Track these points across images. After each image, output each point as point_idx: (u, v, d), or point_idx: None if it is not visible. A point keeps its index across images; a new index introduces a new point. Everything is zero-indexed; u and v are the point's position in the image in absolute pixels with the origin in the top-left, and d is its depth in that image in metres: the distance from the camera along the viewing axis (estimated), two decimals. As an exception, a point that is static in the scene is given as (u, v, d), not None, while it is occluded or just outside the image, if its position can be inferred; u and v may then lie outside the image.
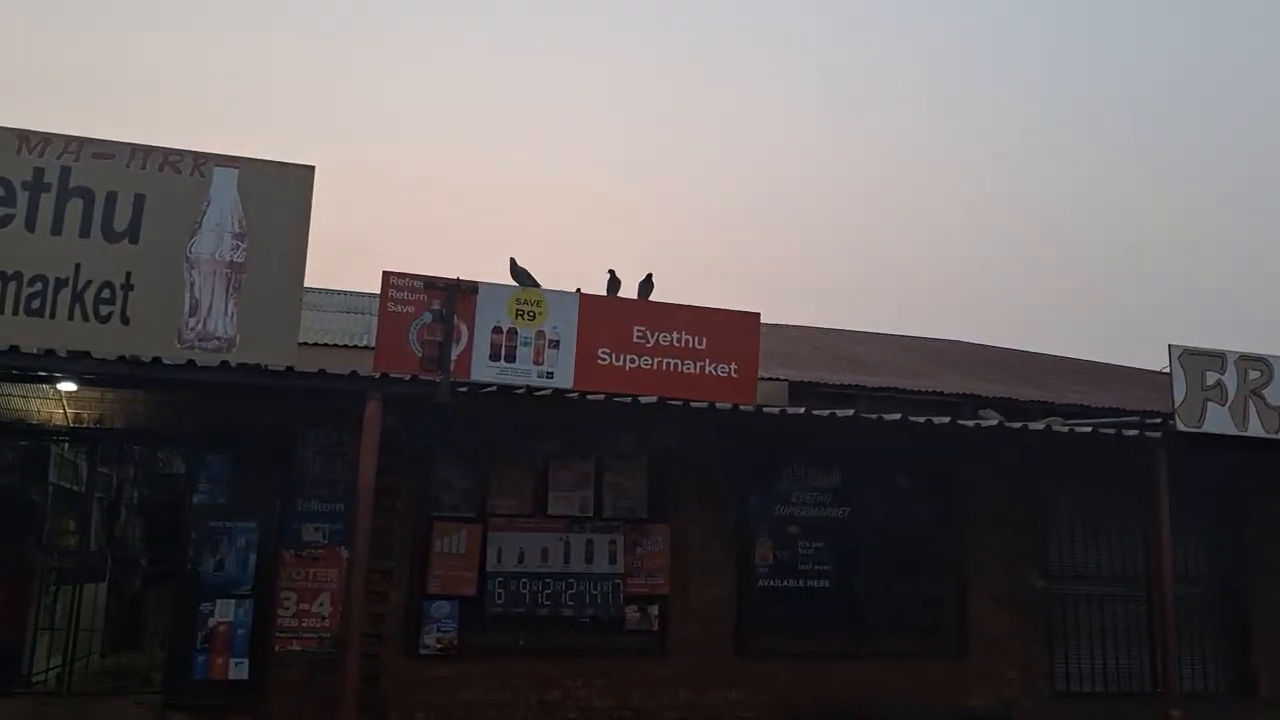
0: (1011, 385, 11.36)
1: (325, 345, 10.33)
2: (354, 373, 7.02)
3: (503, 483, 8.67)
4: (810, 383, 9.77)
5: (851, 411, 7.77)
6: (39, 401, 8.98)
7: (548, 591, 8.58)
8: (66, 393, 8.66)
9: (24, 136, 7.03)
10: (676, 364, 7.90)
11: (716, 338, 7.94)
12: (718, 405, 7.72)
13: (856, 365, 11.68)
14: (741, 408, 7.66)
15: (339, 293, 13.71)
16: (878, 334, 14.76)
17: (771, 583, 9.33)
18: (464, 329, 7.52)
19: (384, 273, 7.43)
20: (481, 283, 7.59)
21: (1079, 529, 10.50)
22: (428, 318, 7.46)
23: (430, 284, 7.44)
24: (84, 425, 8.77)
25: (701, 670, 8.82)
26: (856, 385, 10.22)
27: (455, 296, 7.40)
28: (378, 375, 7.10)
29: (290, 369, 6.93)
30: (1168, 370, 8.81)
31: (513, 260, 8.16)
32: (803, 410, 7.64)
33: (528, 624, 8.45)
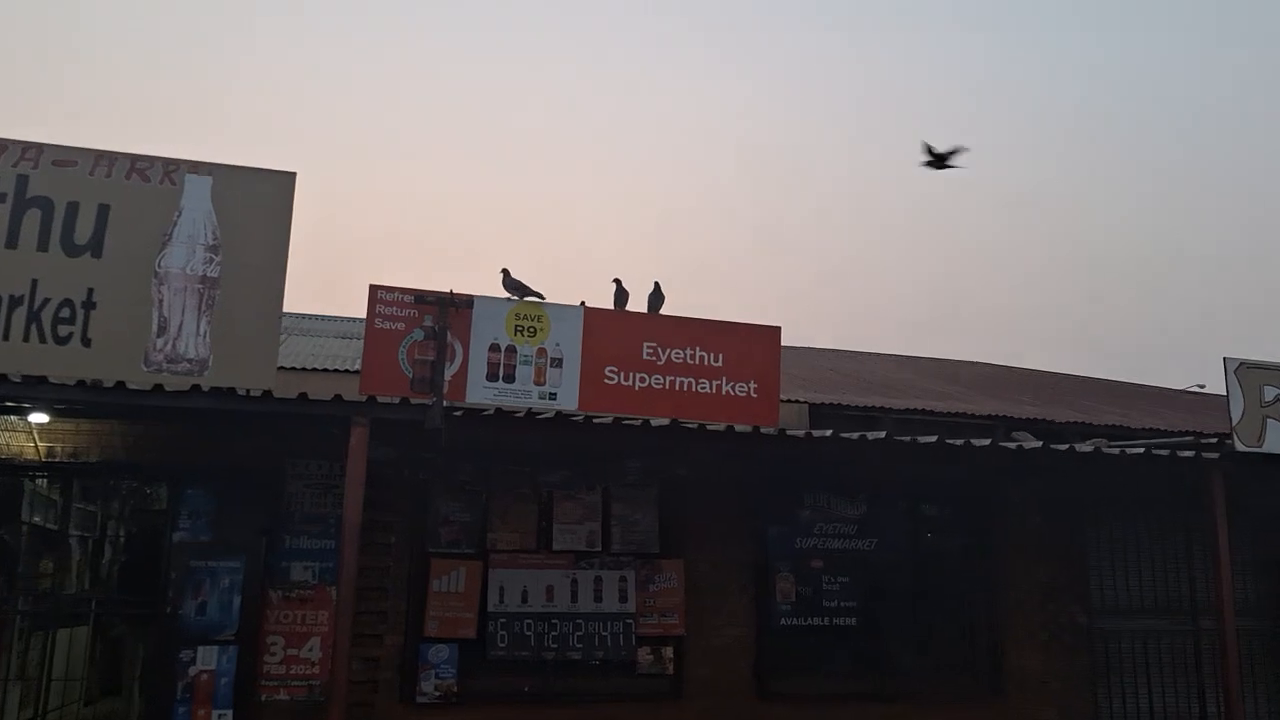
0: (1044, 407, 10.72)
1: (315, 370, 9.76)
2: (338, 397, 6.42)
3: (504, 516, 8.21)
4: (832, 405, 9.15)
5: (883, 434, 7.14)
6: (7, 435, 8.53)
7: (554, 633, 8.08)
8: (37, 425, 8.23)
9: (-24, 143, 6.47)
10: (691, 383, 7.27)
11: (734, 354, 7.31)
12: (736, 428, 7.08)
13: (879, 388, 11.06)
14: (763, 430, 7.03)
15: (331, 318, 13.22)
16: (899, 356, 14.13)
17: (793, 621, 8.79)
18: (458, 347, 6.92)
19: (371, 286, 6.85)
20: (477, 296, 6.99)
21: (1121, 559, 9.89)
22: (419, 335, 6.87)
23: (421, 298, 6.84)
24: (57, 459, 8.33)
25: (719, 715, 8.24)
26: (881, 408, 9.60)
27: (448, 311, 6.80)
28: (364, 399, 6.51)
29: (268, 393, 6.34)
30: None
31: (505, 272, 7.56)
32: (829, 434, 7.00)
33: (533, 668, 7.96)
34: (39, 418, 7.87)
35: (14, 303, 6.34)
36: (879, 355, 13.89)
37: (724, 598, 8.48)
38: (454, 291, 6.86)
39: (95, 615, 9.02)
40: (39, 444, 8.52)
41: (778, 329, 7.47)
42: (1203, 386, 17.41)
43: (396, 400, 6.67)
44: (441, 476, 8.05)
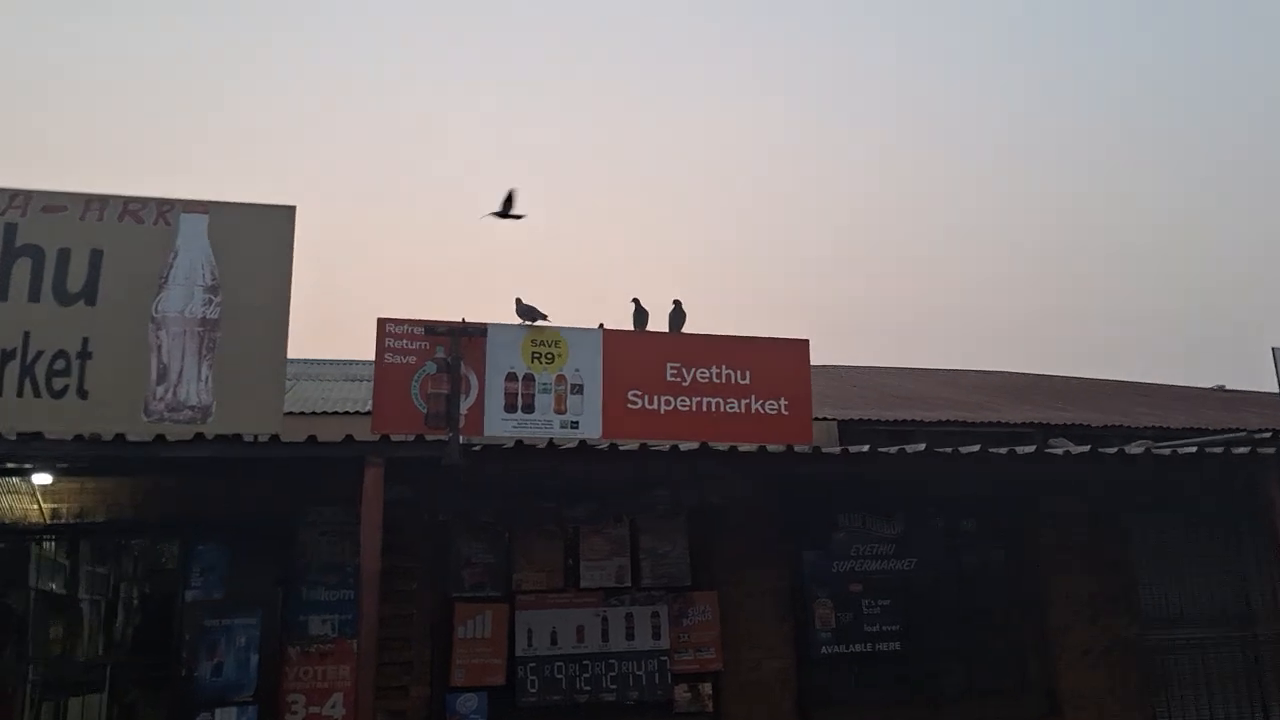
0: (1079, 411, 10.34)
1: (326, 414, 9.43)
2: (349, 437, 6.10)
3: (529, 555, 7.93)
4: (861, 421, 8.79)
5: (923, 446, 6.77)
6: (10, 498, 8.27)
7: (586, 675, 7.75)
8: (41, 486, 7.99)
9: (-38, 192, 6.21)
10: (718, 403, 6.92)
11: (762, 370, 6.96)
12: (769, 448, 6.73)
13: (907, 401, 10.70)
14: (797, 449, 6.68)
15: (339, 362, 12.93)
16: (922, 369, 13.75)
17: (835, 649, 8.46)
18: (473, 378, 6.60)
19: (379, 320, 6.54)
20: (490, 324, 6.67)
21: (1170, 567, 9.49)
22: (431, 368, 6.54)
23: (432, 329, 6.52)
24: (64, 520, 8.06)
25: None
26: (912, 421, 9.23)
27: (461, 341, 6.48)
28: (377, 438, 6.18)
29: (275, 438, 6.02)
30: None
31: (518, 300, 7.26)
32: (866, 449, 6.64)
33: (566, 712, 7.63)
34: (42, 478, 7.62)
35: (6, 357, 6.05)
36: (901, 369, 13.54)
37: (761, 629, 8.18)
38: (466, 320, 6.55)
39: (108, 682, 8.74)
40: (43, 505, 8.30)
41: (806, 342, 7.13)
42: (1223, 387, 17.02)
43: (411, 438, 6.35)
44: (462, 517, 7.75)
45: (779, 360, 7.02)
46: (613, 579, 7.98)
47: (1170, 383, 14.15)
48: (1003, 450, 6.85)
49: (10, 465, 7.49)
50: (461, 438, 6.40)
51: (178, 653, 7.55)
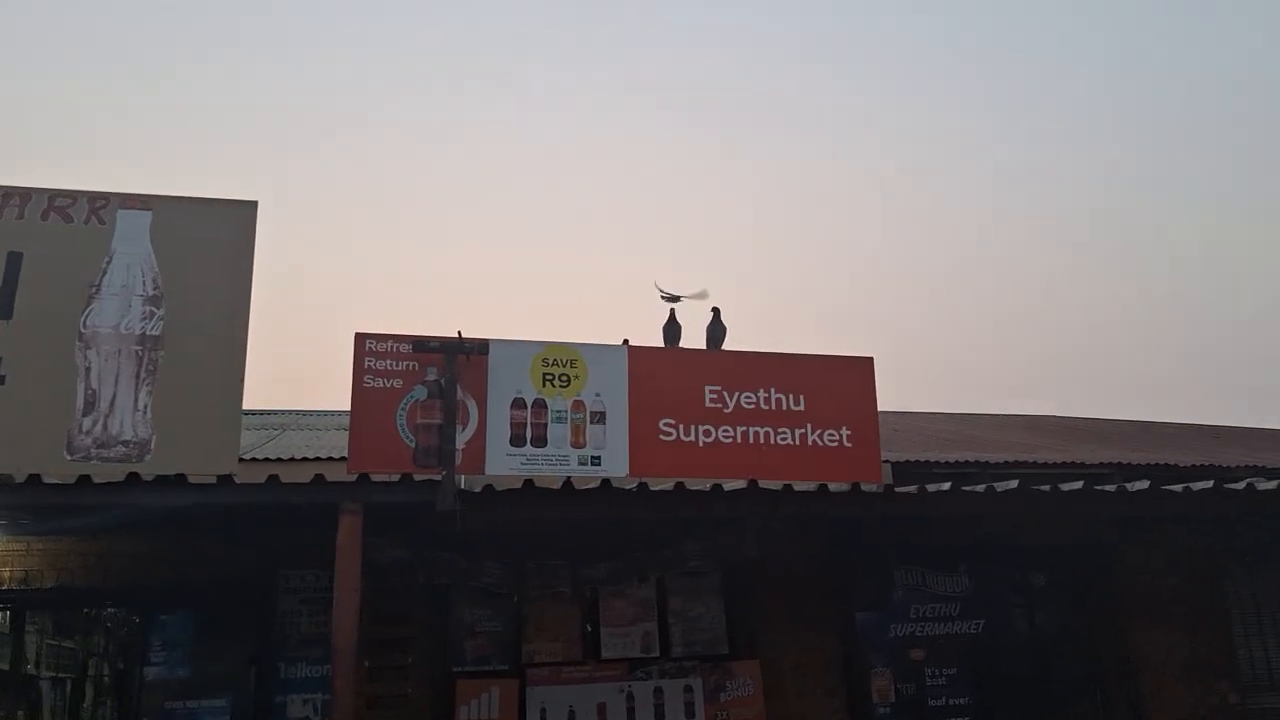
0: (1163, 453, 9.21)
1: (311, 460, 8.40)
2: (319, 477, 5.01)
3: (541, 622, 7.17)
4: (920, 463, 7.68)
5: (1014, 483, 5.62)
6: None
7: None
8: None
9: None
10: (768, 433, 5.77)
11: (820, 394, 5.84)
12: (831, 486, 5.60)
13: (964, 443, 9.59)
14: (864, 487, 5.54)
15: (330, 412, 12.03)
16: (977, 414, 12.60)
17: None
18: (472, 406, 5.50)
19: (357, 335, 5.45)
20: (492, 340, 5.58)
21: (1271, 622, 8.63)
22: (421, 394, 5.44)
23: (422, 345, 5.43)
24: (5, 586, 7.27)
25: None
26: (976, 462, 8.13)
27: (457, 361, 5.39)
28: (354, 478, 5.07)
29: (227, 479, 4.90)
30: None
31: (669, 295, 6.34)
32: (947, 486, 5.53)
33: None
34: None
35: (-106, 383, 4.97)
36: (953, 414, 12.44)
37: (810, 704, 7.43)
38: (463, 335, 5.46)
39: None
40: None
41: (870, 360, 6.02)
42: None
43: (396, 478, 5.23)
44: (464, 578, 6.91)
45: (839, 382, 5.92)
46: (638, 648, 7.26)
47: (1261, 425, 13.16)
48: (1110, 488, 5.73)
49: None
50: (458, 478, 5.28)
51: (138, 739, 6.83)
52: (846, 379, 5.92)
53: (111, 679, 9.75)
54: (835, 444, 5.77)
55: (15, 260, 5.13)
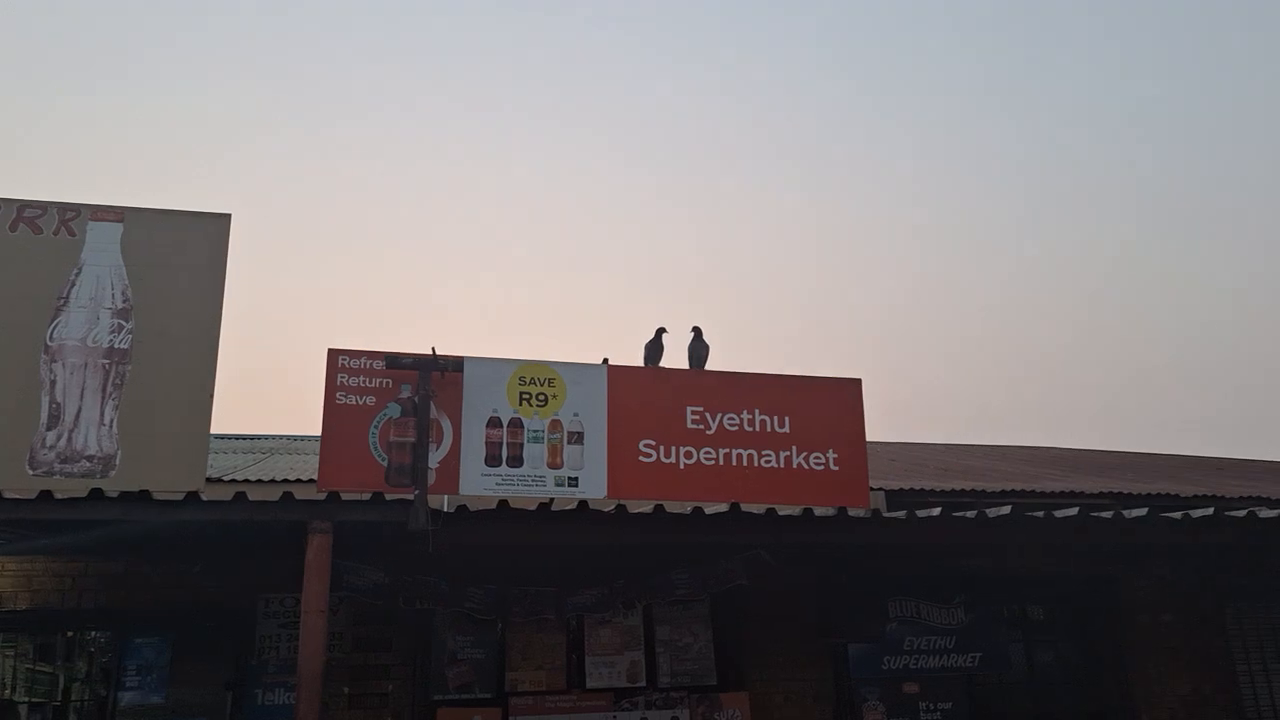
0: (1164, 483, 8.99)
1: (294, 481, 8.23)
2: (287, 495, 4.86)
3: (525, 650, 6.99)
4: (912, 491, 7.46)
5: (1007, 509, 5.44)
6: None
7: None
8: None
9: None
10: (751, 455, 5.59)
11: (806, 416, 5.67)
12: (817, 511, 5.41)
13: (959, 473, 9.37)
14: (851, 513, 5.36)
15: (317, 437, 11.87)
16: (975, 445, 12.37)
17: None
18: (446, 424, 5.35)
19: (329, 351, 5.31)
20: (467, 357, 5.44)
21: (1275, 659, 8.31)
22: (394, 411, 5.30)
23: (395, 361, 5.29)
24: None
25: None
26: (972, 492, 7.91)
27: (431, 378, 5.25)
28: (323, 496, 4.92)
29: (193, 496, 4.75)
30: None
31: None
32: (937, 513, 5.32)
33: None
34: None
35: None
36: (950, 445, 12.22)
37: None
38: (437, 352, 5.33)
39: None
40: None
41: (858, 382, 5.85)
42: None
43: (367, 497, 5.07)
44: (446, 603, 6.71)
45: (826, 404, 5.74)
46: (624, 678, 7.03)
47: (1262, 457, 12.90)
48: (1106, 514, 5.52)
49: None
50: (432, 498, 5.12)
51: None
52: (834, 401, 5.75)
53: (91, 704, 9.55)
54: (821, 467, 5.59)
55: (-20, 271, 5.04)
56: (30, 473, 4.85)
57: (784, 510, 5.43)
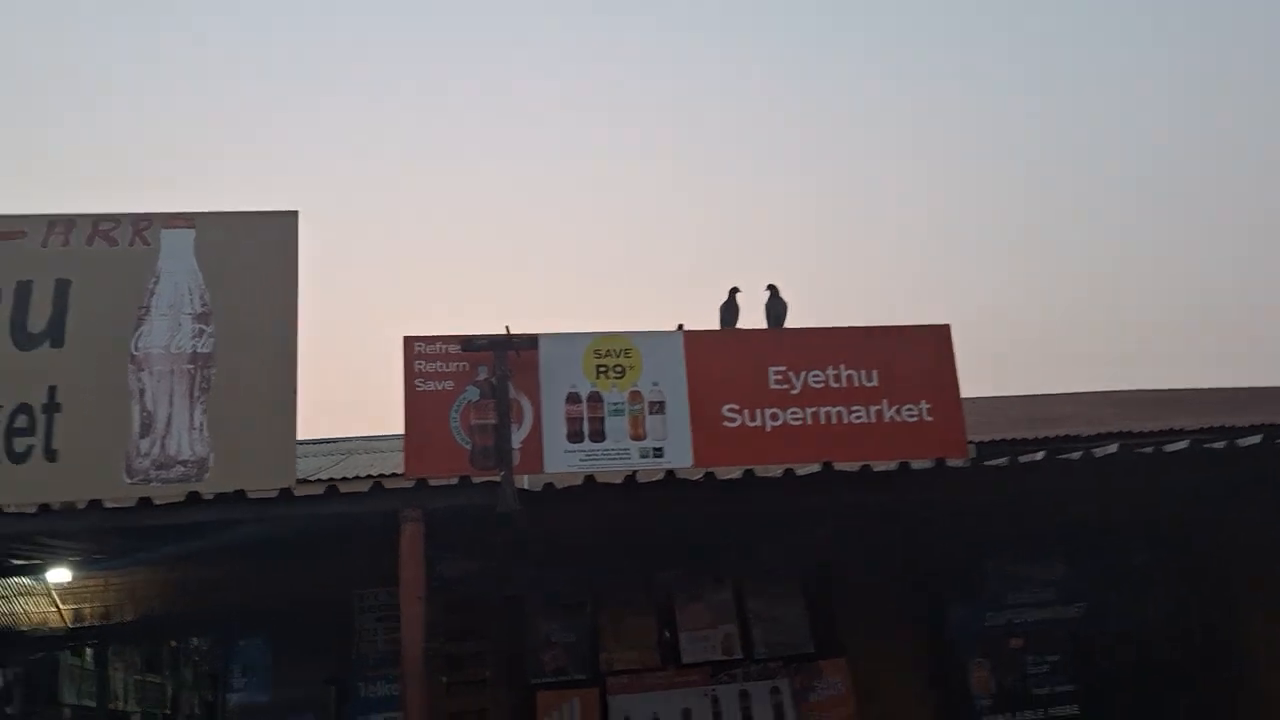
0: (1271, 415, 8.58)
1: (375, 477, 8.29)
2: (377, 485, 4.89)
3: (617, 631, 6.92)
4: (1006, 441, 7.24)
5: (1114, 447, 5.22)
6: (24, 600, 7.39)
7: None
8: (57, 586, 7.15)
9: (-104, 226, 5.24)
10: (840, 413, 5.46)
11: (895, 368, 5.51)
12: (913, 464, 5.26)
13: (1055, 422, 9.04)
14: (951, 464, 5.20)
15: (397, 436, 11.93)
16: (1059, 394, 11.95)
17: (1000, 718, 7.22)
18: (525, 403, 5.31)
19: (405, 339, 5.32)
20: (542, 334, 5.40)
21: None
22: (473, 394, 5.28)
23: (470, 344, 5.27)
24: (86, 623, 7.34)
25: None
26: (1069, 437, 7.63)
27: (507, 358, 5.22)
28: (412, 484, 4.93)
29: (286, 493, 4.80)
30: None
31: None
32: (1040, 456, 5.14)
33: None
34: (58, 576, 6.85)
35: (-43, 416, 4.97)
36: (1021, 397, 11.84)
37: (904, 700, 7.07)
38: (511, 331, 5.29)
39: None
40: (62, 608, 7.45)
41: (947, 328, 5.67)
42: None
43: (455, 480, 5.06)
44: (536, 589, 6.76)
45: (915, 354, 5.57)
46: (719, 651, 6.91)
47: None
48: (1219, 444, 5.26)
49: (17, 562, 6.68)
50: (518, 478, 5.10)
51: (225, 766, 6.70)
52: (922, 350, 5.57)
53: (201, 710, 9.80)
54: (915, 419, 5.42)
55: (64, 288, 5.11)
56: (128, 481, 4.93)
57: (879, 466, 5.30)
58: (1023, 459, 5.16)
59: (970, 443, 7.51)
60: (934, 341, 5.62)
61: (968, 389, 5.80)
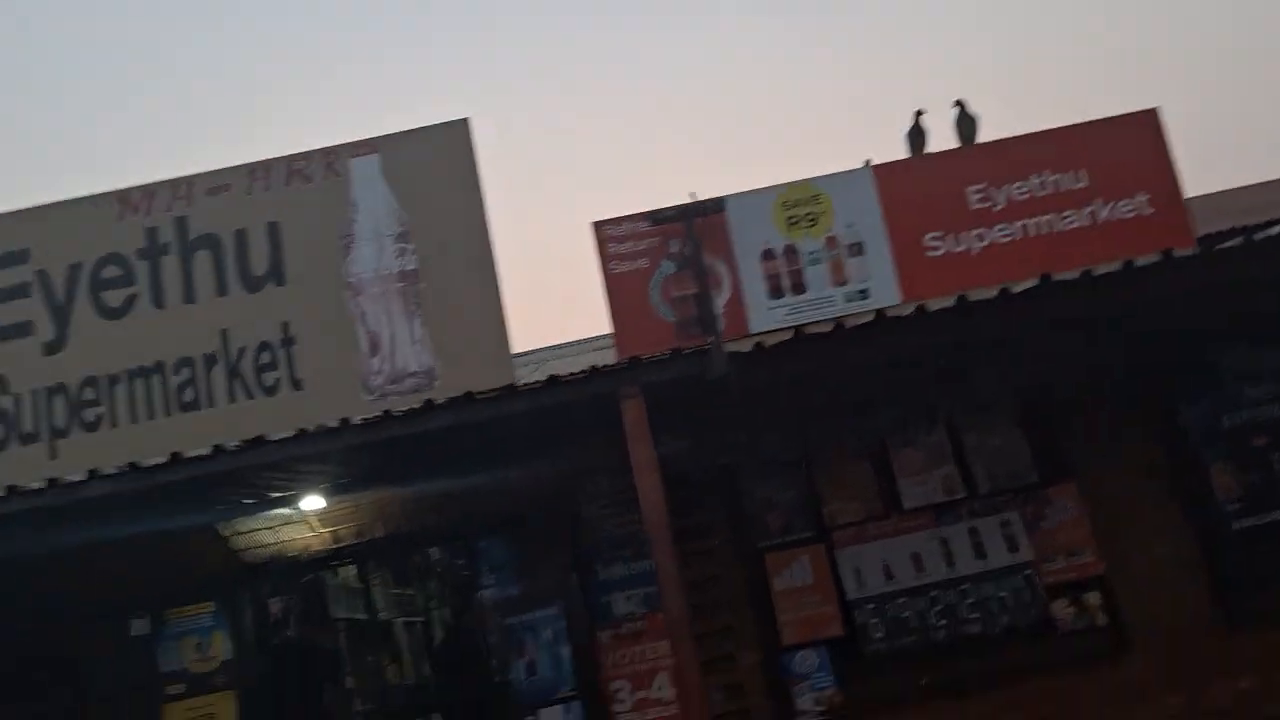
0: None
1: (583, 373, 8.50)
2: (593, 368, 5.02)
3: (835, 484, 6.92)
4: (1229, 231, 6.62)
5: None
6: (287, 529, 8.03)
7: (937, 608, 6.64)
8: (313, 512, 7.70)
9: (124, 197, 5.65)
10: (1050, 221, 5.18)
11: (1103, 164, 5.15)
12: (1137, 263, 4.95)
13: (1244, 212, 8.22)
14: (1177, 255, 4.87)
15: (587, 340, 12.14)
16: (1250, 186, 10.81)
17: (1249, 521, 6.86)
18: (722, 268, 5.30)
19: (594, 224, 5.39)
20: (727, 196, 5.34)
21: None
22: (669, 268, 5.31)
23: (658, 217, 5.28)
24: (344, 544, 7.76)
25: (1183, 661, 6.40)
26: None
27: (696, 225, 5.20)
28: (626, 362, 5.04)
29: (510, 388, 5.02)
30: None
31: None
32: (1277, 232, 4.72)
33: (925, 655, 6.55)
34: (313, 503, 7.29)
35: (209, 361, 5.43)
36: (1239, 188, 10.76)
37: (1143, 514, 6.75)
38: (696, 197, 5.26)
39: (423, 705, 8.43)
40: (321, 531, 8.06)
41: (1154, 112, 5.24)
42: None
43: (667, 354, 5.15)
44: (750, 454, 6.80)
45: (1123, 145, 5.18)
46: (941, 493, 6.82)
47: None
48: None
49: (275, 495, 7.21)
50: (724, 342, 5.13)
51: (485, 659, 7.21)
52: (1130, 140, 5.16)
53: (453, 614, 10.53)
54: (1133, 214, 5.08)
55: (275, 230, 5.44)
56: (367, 399, 5.29)
57: (1099, 270, 5.01)
58: (1257, 237, 4.75)
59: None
60: (1144, 129, 5.20)
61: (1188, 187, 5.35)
